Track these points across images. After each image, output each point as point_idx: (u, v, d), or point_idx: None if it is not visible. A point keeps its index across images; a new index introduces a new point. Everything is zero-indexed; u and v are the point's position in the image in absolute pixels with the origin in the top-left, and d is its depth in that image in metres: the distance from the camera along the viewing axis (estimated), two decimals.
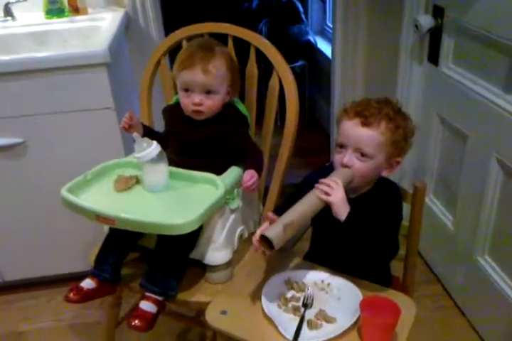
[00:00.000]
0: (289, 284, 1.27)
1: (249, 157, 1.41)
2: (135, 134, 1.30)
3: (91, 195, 1.31)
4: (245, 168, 1.37)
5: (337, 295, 1.24)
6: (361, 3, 2.25)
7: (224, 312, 1.20)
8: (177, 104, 1.44)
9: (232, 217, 1.37)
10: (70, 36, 2.03)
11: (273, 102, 1.55)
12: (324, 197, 1.16)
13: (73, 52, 1.71)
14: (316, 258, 1.38)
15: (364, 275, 1.30)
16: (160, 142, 1.31)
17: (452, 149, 1.90)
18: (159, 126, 1.58)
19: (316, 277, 1.29)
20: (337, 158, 1.24)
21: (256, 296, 1.22)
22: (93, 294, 1.32)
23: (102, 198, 1.30)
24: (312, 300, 1.22)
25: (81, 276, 1.36)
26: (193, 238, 1.31)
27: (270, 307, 1.19)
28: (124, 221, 1.19)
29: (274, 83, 1.54)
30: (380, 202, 1.26)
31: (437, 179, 2.05)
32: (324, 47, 3.46)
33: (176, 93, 1.46)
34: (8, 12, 2.08)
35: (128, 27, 2.17)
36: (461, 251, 1.88)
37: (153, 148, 1.28)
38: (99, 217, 1.22)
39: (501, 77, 1.57)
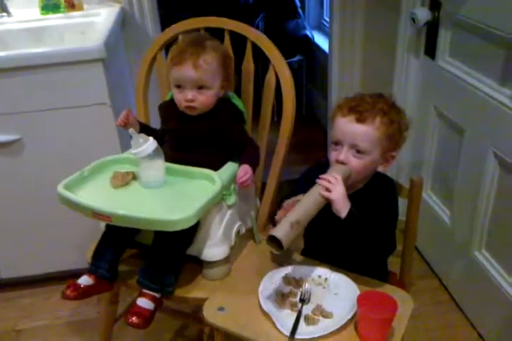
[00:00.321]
0: (286, 280, 1.27)
1: (245, 152, 1.40)
2: (131, 130, 1.30)
3: (87, 192, 1.31)
4: (240, 164, 1.36)
5: (334, 291, 1.24)
6: None
7: (221, 309, 1.20)
8: (172, 100, 1.43)
9: (229, 212, 1.37)
10: (66, 32, 2.03)
11: (270, 97, 1.55)
12: (326, 193, 1.15)
13: (69, 48, 1.71)
14: (312, 256, 1.38)
15: (361, 271, 1.30)
16: (156, 138, 1.31)
17: (449, 143, 1.90)
18: (155, 121, 1.57)
19: (313, 272, 1.29)
20: (333, 155, 1.24)
21: (253, 292, 1.22)
22: (90, 291, 1.32)
23: (99, 195, 1.30)
24: (309, 295, 1.22)
25: (78, 273, 1.36)
26: (190, 234, 1.31)
27: (267, 303, 1.19)
28: (120, 217, 1.19)
29: (270, 78, 1.53)
30: (376, 197, 1.26)
31: (434, 173, 2.05)
32: (321, 41, 3.45)
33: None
34: (3, 8, 2.07)
35: (124, 22, 2.16)
36: (458, 246, 1.89)
37: (150, 143, 1.27)
38: (96, 214, 1.21)
39: (498, 70, 1.57)
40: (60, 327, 1.94)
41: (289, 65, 1.53)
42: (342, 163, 1.21)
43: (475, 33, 1.66)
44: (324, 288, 1.26)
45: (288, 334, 1.11)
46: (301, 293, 1.22)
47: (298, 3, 3.67)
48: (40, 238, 1.98)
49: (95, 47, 1.67)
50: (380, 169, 1.28)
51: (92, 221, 1.25)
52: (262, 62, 1.58)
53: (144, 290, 1.29)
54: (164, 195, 1.31)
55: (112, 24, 1.90)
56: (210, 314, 1.20)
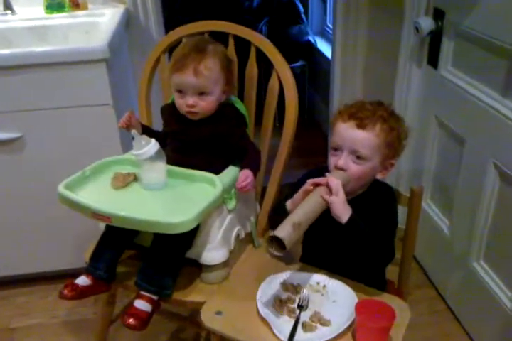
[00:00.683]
0: (285, 286, 1.27)
1: (246, 157, 1.40)
2: (134, 131, 1.30)
3: (88, 192, 1.31)
4: (241, 168, 1.36)
5: (332, 298, 1.24)
6: (362, 5, 2.25)
7: (219, 313, 1.20)
8: (174, 103, 1.43)
9: (229, 216, 1.37)
10: (70, 31, 2.02)
11: (272, 102, 1.55)
12: (326, 197, 1.15)
13: (73, 48, 1.71)
14: (310, 262, 1.38)
15: (358, 279, 1.29)
16: (158, 140, 1.30)
17: (449, 153, 1.90)
18: (157, 123, 1.57)
19: (311, 279, 1.29)
20: (332, 161, 1.24)
21: (251, 297, 1.22)
22: (88, 291, 1.31)
23: (99, 195, 1.30)
24: (307, 302, 1.22)
25: (75, 273, 1.35)
26: (189, 237, 1.31)
27: (265, 308, 1.19)
28: (121, 218, 1.19)
29: (273, 84, 1.53)
30: (375, 204, 1.26)
31: (434, 183, 2.05)
32: (324, 47, 3.46)
33: None
34: (7, 6, 2.07)
35: (128, 24, 2.16)
36: (456, 256, 1.88)
37: (152, 145, 1.27)
38: (96, 214, 1.21)
39: (500, 81, 1.57)
40: (56, 327, 1.93)
41: (292, 70, 1.53)
42: (341, 168, 1.21)
43: (478, 44, 1.66)
44: (322, 295, 1.25)
45: (285, 340, 1.11)
46: (299, 299, 1.22)
47: (301, 9, 3.68)
48: (38, 236, 1.97)
49: (99, 47, 1.67)
50: (379, 176, 1.28)
51: (91, 221, 1.25)
52: (264, 66, 1.58)
53: (142, 292, 1.29)
54: (165, 197, 1.31)
55: (116, 25, 1.90)
56: (208, 318, 1.20)
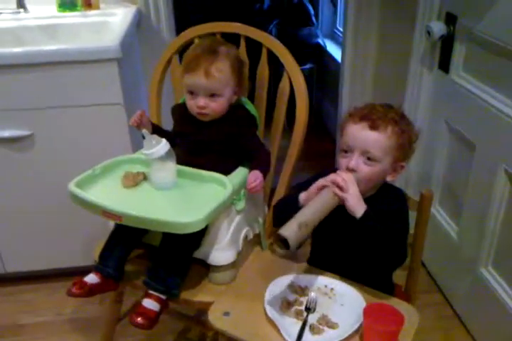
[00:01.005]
0: (293, 288, 1.27)
1: (256, 157, 1.40)
2: (144, 131, 1.30)
3: (98, 190, 1.31)
4: (251, 169, 1.36)
5: (340, 301, 1.24)
6: (373, 8, 2.25)
7: (227, 314, 1.20)
8: (185, 103, 1.43)
9: (238, 217, 1.37)
10: (82, 30, 2.03)
11: (283, 104, 1.55)
12: (340, 192, 1.15)
13: (85, 47, 1.71)
14: (318, 265, 1.37)
15: (366, 283, 1.29)
16: (168, 140, 1.30)
17: (459, 158, 1.89)
18: (168, 123, 1.57)
19: (319, 282, 1.29)
20: (343, 162, 1.23)
21: (259, 298, 1.22)
22: (96, 289, 1.31)
23: (110, 194, 1.30)
24: (315, 304, 1.21)
25: (83, 271, 1.35)
26: (198, 237, 1.31)
27: (273, 310, 1.19)
28: (132, 218, 1.19)
29: (284, 84, 1.53)
30: (386, 206, 1.25)
31: (443, 187, 2.04)
32: (333, 50, 3.46)
33: None
34: (20, 4, 2.08)
35: (139, 24, 2.16)
36: (464, 262, 1.87)
37: (162, 145, 1.27)
38: (106, 213, 1.21)
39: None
40: (62, 324, 1.94)
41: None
42: (352, 170, 1.21)
43: (490, 49, 1.66)
44: (330, 298, 1.25)
45: None
46: (307, 301, 1.22)
47: (312, 11, 3.68)
48: (48, 234, 1.98)
49: (111, 47, 1.67)
50: (389, 179, 1.28)
51: (100, 219, 1.25)
52: (274, 66, 1.58)
53: (150, 291, 1.29)
54: (175, 197, 1.31)
55: (128, 24, 1.90)
56: (215, 318, 1.19)
